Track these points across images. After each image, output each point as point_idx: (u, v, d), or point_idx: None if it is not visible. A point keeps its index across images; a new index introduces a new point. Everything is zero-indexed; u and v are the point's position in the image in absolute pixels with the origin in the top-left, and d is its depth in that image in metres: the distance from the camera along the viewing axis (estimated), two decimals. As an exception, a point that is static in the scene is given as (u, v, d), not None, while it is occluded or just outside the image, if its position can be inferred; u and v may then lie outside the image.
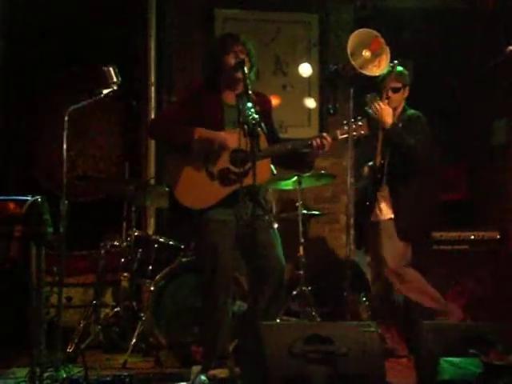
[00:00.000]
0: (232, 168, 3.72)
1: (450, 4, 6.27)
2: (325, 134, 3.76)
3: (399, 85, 4.53)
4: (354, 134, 3.84)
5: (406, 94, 4.59)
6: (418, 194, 4.54)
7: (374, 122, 4.38)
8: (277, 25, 6.16)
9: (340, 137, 3.81)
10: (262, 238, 3.69)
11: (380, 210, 4.58)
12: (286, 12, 6.19)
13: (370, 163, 4.67)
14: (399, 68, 4.55)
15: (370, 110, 4.42)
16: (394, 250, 4.51)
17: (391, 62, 4.28)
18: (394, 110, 4.55)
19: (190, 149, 3.69)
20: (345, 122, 3.85)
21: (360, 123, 3.85)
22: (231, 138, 3.68)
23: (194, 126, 3.72)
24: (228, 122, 3.76)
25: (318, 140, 3.72)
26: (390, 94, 4.52)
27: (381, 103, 4.43)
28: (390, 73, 4.48)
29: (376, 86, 4.53)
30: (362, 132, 3.86)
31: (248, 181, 3.49)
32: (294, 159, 3.88)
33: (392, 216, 4.53)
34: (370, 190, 4.65)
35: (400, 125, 4.47)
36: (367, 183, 4.69)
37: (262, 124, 3.40)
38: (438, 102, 4.57)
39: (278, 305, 3.83)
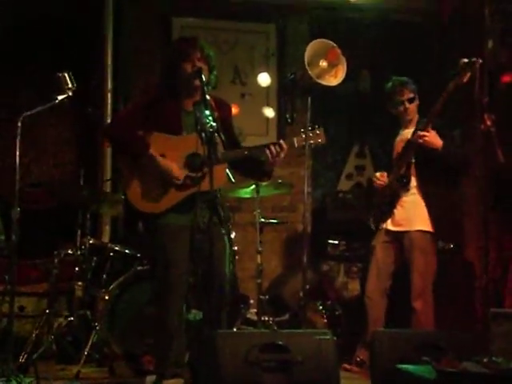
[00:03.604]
0: (187, 172, 3.70)
1: (405, 16, 6.37)
2: (281, 142, 3.75)
3: (412, 94, 4.51)
4: (311, 142, 3.85)
5: (417, 102, 4.57)
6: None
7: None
8: (235, 34, 6.18)
9: (297, 144, 3.81)
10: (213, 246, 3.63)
11: (409, 219, 4.46)
12: (244, 21, 6.22)
13: (378, 174, 4.61)
14: (404, 78, 4.55)
15: (421, 140, 4.29)
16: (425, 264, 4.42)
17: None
18: (411, 120, 4.54)
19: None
20: (302, 130, 3.86)
21: (317, 132, 3.86)
22: (178, 171, 3.65)
23: (151, 130, 3.70)
24: (186, 128, 3.74)
25: (272, 147, 3.70)
26: (408, 105, 4.51)
27: (426, 131, 4.29)
28: (402, 85, 4.49)
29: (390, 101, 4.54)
30: (319, 140, 3.87)
31: (204, 186, 3.46)
32: (253, 167, 3.85)
33: (429, 229, 4.42)
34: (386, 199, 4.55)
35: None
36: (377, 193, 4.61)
37: (220, 131, 3.40)
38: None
39: (224, 313, 3.74)
